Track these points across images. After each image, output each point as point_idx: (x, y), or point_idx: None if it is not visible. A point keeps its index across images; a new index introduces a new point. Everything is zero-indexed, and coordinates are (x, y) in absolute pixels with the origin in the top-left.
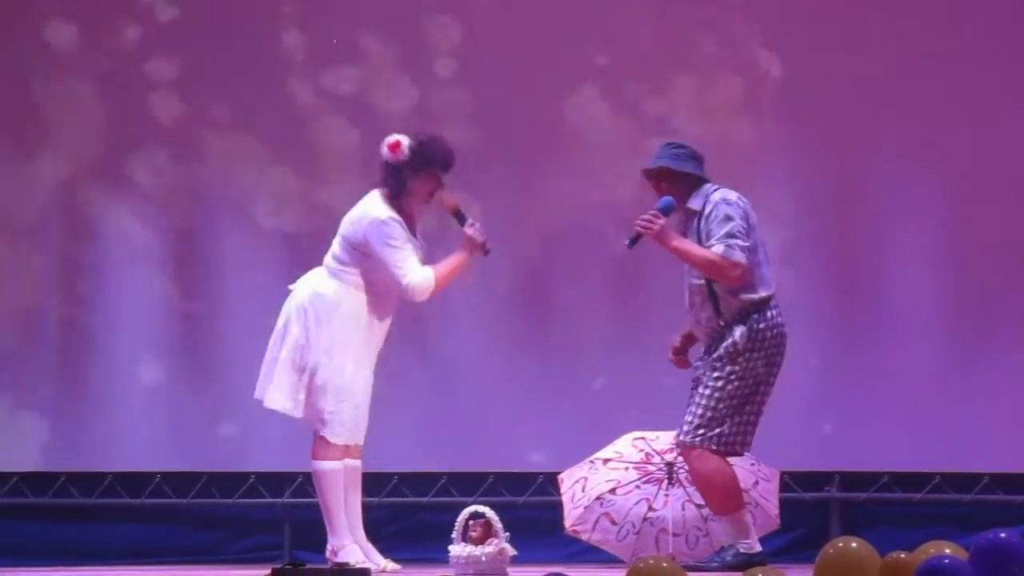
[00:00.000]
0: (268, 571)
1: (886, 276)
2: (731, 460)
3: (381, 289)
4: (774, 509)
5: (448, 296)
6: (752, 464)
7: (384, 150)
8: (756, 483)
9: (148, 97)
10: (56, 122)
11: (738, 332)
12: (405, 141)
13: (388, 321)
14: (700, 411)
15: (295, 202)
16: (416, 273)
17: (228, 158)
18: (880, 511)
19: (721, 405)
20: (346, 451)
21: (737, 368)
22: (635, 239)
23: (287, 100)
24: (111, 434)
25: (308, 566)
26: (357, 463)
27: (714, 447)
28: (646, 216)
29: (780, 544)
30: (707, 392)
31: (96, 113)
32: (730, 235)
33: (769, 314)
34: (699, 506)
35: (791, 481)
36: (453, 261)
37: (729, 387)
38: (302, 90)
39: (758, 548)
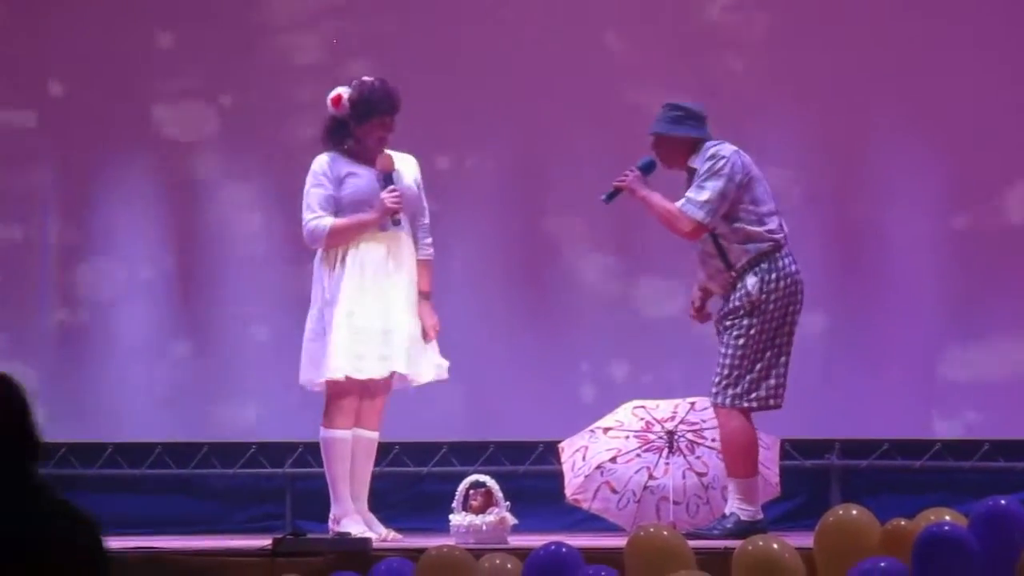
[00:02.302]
0: (270, 541)
1: (887, 242)
2: None
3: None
4: (774, 476)
5: (448, 265)
6: None
7: (328, 105)
8: None
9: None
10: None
11: (750, 283)
12: (346, 93)
13: (377, 254)
14: (724, 371)
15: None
16: (314, 221)
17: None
18: (880, 478)
19: (744, 361)
20: (357, 420)
21: (754, 321)
22: (611, 195)
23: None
24: (112, 405)
25: (309, 536)
26: (371, 434)
27: (745, 405)
28: (623, 173)
29: (780, 512)
30: (728, 351)
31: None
32: (697, 187)
33: (781, 263)
34: (700, 474)
35: (791, 448)
36: (357, 218)
37: (748, 341)
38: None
39: (760, 516)
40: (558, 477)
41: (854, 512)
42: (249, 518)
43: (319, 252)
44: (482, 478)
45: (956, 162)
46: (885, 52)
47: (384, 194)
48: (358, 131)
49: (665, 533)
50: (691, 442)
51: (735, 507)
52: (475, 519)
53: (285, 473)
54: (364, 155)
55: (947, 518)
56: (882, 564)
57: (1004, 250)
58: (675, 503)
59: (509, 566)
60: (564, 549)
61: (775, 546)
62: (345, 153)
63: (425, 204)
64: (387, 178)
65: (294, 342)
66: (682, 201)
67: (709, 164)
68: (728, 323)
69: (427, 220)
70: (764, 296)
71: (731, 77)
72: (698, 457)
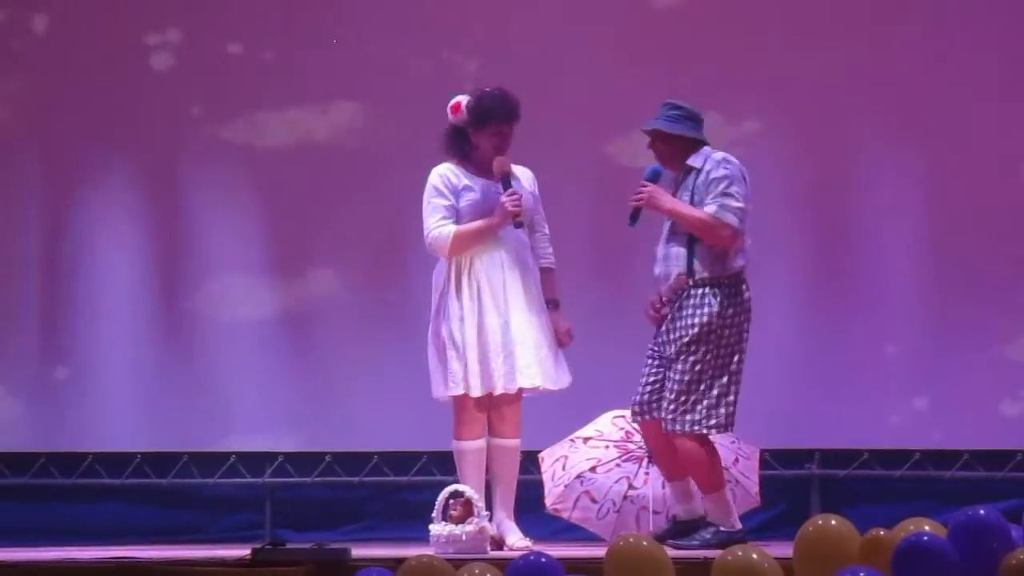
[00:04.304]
0: (249, 550)
1: (866, 253)
2: (712, 437)
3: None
4: (754, 486)
5: (428, 277)
6: (732, 442)
7: (448, 113)
8: (736, 460)
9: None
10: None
11: (713, 305)
12: (464, 100)
13: (493, 263)
14: (681, 396)
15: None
16: (436, 229)
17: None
18: (860, 488)
19: (701, 387)
20: (493, 430)
21: (710, 347)
22: (634, 215)
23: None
24: (91, 414)
25: (289, 545)
26: (510, 442)
27: (705, 431)
28: (637, 191)
29: (760, 521)
30: (685, 377)
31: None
32: (725, 194)
33: (741, 288)
34: None
35: (771, 458)
36: (480, 223)
37: (705, 367)
38: None
39: (739, 526)
40: (538, 486)
41: (833, 522)
42: (228, 527)
43: (440, 264)
44: (462, 487)
45: (937, 174)
46: (866, 61)
47: (504, 197)
48: (475, 138)
49: (645, 543)
50: None
51: (714, 518)
52: (455, 529)
53: (265, 483)
54: (481, 164)
55: (926, 528)
56: (861, 574)
57: (983, 262)
58: (655, 512)
59: None
60: (544, 559)
61: (754, 556)
62: (463, 164)
63: (543, 215)
64: (505, 181)
65: (277, 352)
66: (713, 208)
67: (726, 171)
68: (685, 346)
69: (547, 231)
70: (723, 321)
71: (704, 85)
72: None
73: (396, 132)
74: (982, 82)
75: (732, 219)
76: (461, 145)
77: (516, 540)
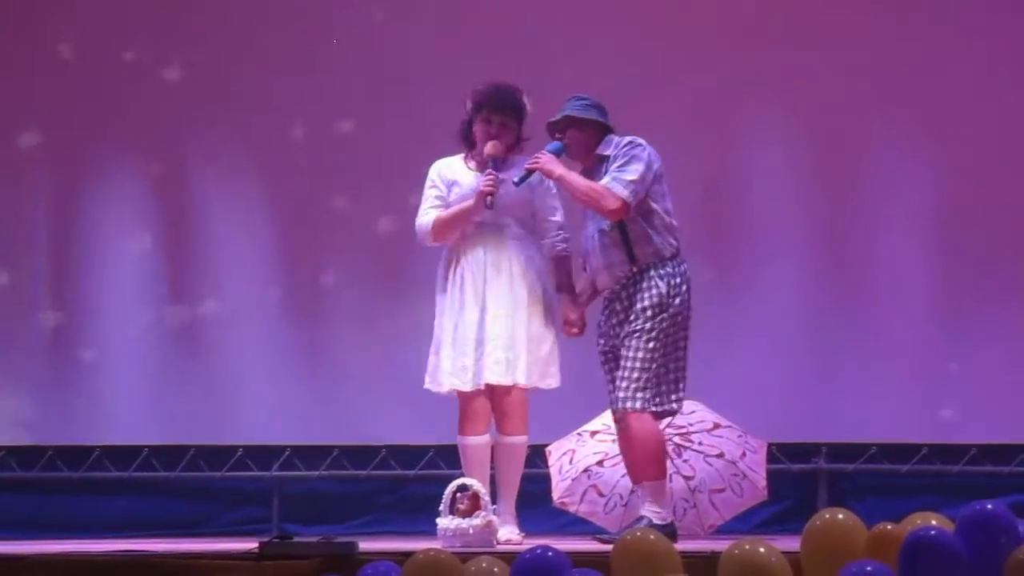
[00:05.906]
0: (256, 544)
1: (874, 246)
2: (719, 432)
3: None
4: (762, 480)
5: (434, 269)
6: (740, 436)
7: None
8: (743, 455)
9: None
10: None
11: (661, 286)
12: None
13: (475, 257)
14: (634, 374)
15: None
16: (421, 217)
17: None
18: (867, 482)
19: (653, 365)
20: (488, 426)
21: (662, 325)
22: (523, 177)
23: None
24: (99, 408)
25: (296, 539)
26: (506, 439)
27: (655, 408)
28: (534, 156)
29: (767, 515)
30: (638, 355)
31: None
32: (621, 168)
33: (683, 267)
34: (687, 478)
35: (779, 452)
36: (456, 207)
37: (657, 345)
38: None
39: (671, 519)
40: (545, 480)
41: (841, 516)
42: (236, 521)
43: (440, 261)
44: (469, 481)
45: (947, 167)
46: (879, 55)
47: (481, 177)
48: (474, 127)
49: (652, 537)
50: (678, 446)
51: (647, 510)
52: (462, 522)
53: (272, 476)
54: (477, 156)
55: (934, 522)
56: (868, 568)
57: (990, 255)
58: None
59: (496, 570)
60: (551, 553)
61: (762, 550)
62: (467, 156)
63: (554, 204)
64: (489, 164)
65: (284, 345)
66: (607, 179)
67: (627, 149)
68: (639, 328)
69: (556, 218)
70: (670, 300)
71: (723, 76)
72: (685, 460)
73: (402, 126)
74: (992, 73)
75: (621, 190)
76: (466, 134)
77: (505, 534)
